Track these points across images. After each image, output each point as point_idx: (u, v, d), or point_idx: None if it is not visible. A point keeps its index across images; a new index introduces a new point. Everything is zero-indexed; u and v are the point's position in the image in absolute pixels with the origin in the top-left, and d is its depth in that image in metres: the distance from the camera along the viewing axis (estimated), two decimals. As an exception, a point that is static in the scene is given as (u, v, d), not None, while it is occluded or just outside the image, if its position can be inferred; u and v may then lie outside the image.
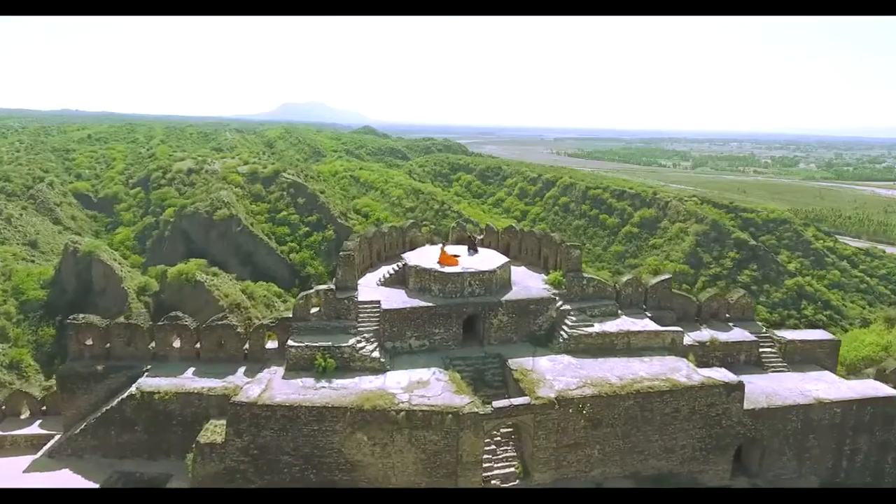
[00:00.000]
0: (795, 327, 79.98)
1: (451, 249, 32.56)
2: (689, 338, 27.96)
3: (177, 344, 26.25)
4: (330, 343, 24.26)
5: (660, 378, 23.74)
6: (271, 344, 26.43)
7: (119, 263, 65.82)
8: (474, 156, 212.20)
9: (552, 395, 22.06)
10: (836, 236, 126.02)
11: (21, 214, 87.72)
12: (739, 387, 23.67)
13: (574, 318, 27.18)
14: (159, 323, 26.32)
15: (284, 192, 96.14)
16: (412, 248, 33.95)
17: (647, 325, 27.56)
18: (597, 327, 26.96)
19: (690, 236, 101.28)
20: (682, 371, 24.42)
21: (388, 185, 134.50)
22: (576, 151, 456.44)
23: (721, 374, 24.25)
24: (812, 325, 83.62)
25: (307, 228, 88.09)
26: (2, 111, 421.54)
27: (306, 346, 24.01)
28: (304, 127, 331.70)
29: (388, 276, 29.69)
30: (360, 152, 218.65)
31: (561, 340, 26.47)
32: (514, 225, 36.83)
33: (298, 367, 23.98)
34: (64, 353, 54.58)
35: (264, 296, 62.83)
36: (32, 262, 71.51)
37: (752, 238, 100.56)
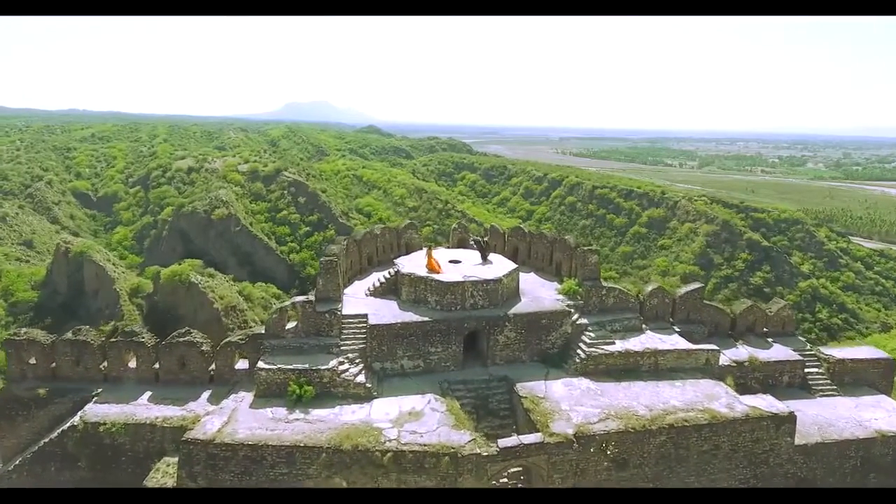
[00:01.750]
0: (810, 332, 76.84)
1: (452, 254, 28.86)
2: (725, 356, 24.23)
3: (132, 364, 22.63)
4: (307, 365, 20.65)
5: (696, 408, 20.05)
6: (242, 364, 22.86)
7: (113, 264, 64.18)
8: (479, 155, 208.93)
9: (569, 431, 18.39)
10: (849, 237, 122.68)
11: (17, 213, 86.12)
12: (790, 419, 19.99)
13: (592, 335, 23.56)
14: (112, 339, 22.68)
15: (285, 191, 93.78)
16: (408, 252, 30.21)
17: (676, 342, 23.87)
18: (619, 345, 23.29)
19: (700, 237, 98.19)
20: (721, 399, 20.73)
21: (391, 184, 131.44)
22: (581, 151, 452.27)
23: (767, 403, 20.55)
24: (827, 329, 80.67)
25: (308, 228, 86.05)
26: (9, 111, 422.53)
27: (279, 370, 20.36)
28: (308, 126, 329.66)
29: (378, 284, 25.96)
30: (363, 151, 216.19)
31: (577, 360, 22.82)
32: (521, 226, 33.08)
33: (270, 393, 20.36)
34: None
35: (262, 297, 60.67)
36: (27, 262, 70.29)
37: (763, 239, 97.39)
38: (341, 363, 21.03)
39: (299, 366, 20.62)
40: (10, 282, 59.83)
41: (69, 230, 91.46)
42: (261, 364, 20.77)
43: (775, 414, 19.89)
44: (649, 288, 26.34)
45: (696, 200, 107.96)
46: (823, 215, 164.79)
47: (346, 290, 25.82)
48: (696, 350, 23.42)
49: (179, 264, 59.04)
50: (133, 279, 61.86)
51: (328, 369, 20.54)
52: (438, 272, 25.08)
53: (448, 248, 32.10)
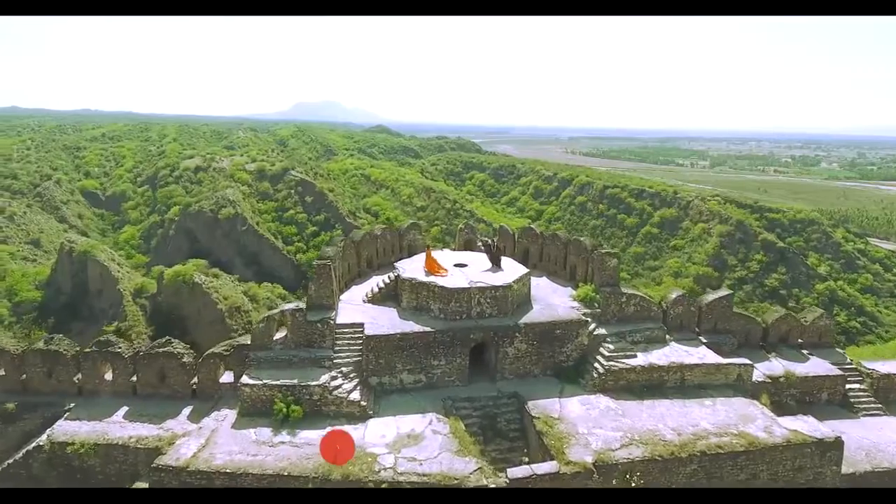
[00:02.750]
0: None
1: (457, 257, 26.63)
2: (759, 371, 21.93)
3: (109, 376, 20.73)
4: (296, 380, 18.62)
5: (729, 431, 17.83)
6: (227, 376, 20.88)
7: (118, 264, 63.65)
8: (488, 154, 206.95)
9: (588, 459, 16.22)
10: (866, 238, 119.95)
11: (25, 213, 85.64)
12: (836, 445, 17.73)
13: (611, 346, 21.37)
14: (86, 350, 20.75)
15: (292, 191, 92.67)
16: (411, 255, 27.98)
17: (704, 355, 21.61)
18: (640, 358, 21.06)
19: (714, 237, 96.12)
20: (756, 420, 18.50)
21: (399, 183, 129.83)
22: (591, 150, 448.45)
23: (810, 427, 18.30)
24: (845, 333, 78.20)
25: (315, 228, 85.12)
26: (23, 111, 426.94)
27: (264, 385, 18.34)
28: (317, 126, 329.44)
29: (377, 290, 23.83)
30: (372, 151, 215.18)
31: (595, 375, 20.62)
32: (532, 226, 30.70)
33: (254, 411, 18.38)
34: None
35: (267, 298, 59.71)
36: (34, 261, 70.12)
37: (779, 240, 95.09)
38: (334, 378, 19.02)
39: (287, 381, 18.59)
40: (14, 281, 59.46)
41: (77, 229, 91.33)
42: (245, 379, 18.79)
43: (820, 439, 17.65)
44: (673, 295, 24.06)
45: (709, 200, 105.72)
46: (839, 215, 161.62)
47: (342, 297, 23.76)
48: (726, 364, 21.16)
49: (184, 264, 58.73)
50: (137, 279, 61.38)
51: (319, 385, 18.51)
52: (439, 273, 23.03)
53: (454, 249, 29.93)
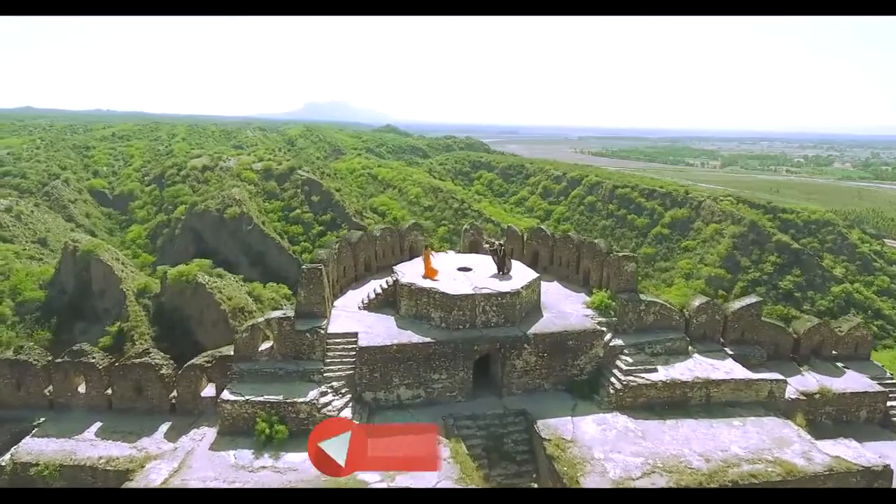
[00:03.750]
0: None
1: (461, 260, 24.79)
2: (792, 387, 19.91)
3: (82, 388, 19.11)
4: (281, 396, 16.89)
5: (763, 457, 15.87)
6: (209, 390, 19.13)
7: (123, 264, 63.03)
8: (496, 154, 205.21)
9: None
10: (883, 239, 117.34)
11: (32, 212, 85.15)
12: (885, 474, 15.76)
13: (629, 359, 19.45)
14: (57, 360, 19.12)
15: (298, 190, 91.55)
16: (413, 257, 26.18)
17: (732, 369, 19.62)
18: (661, 372, 19.11)
19: (726, 238, 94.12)
20: (793, 444, 16.56)
21: (406, 182, 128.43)
22: (600, 150, 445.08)
23: (854, 452, 16.34)
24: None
25: (321, 227, 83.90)
26: (37, 111, 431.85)
27: (247, 402, 16.62)
28: (326, 125, 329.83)
29: (373, 296, 21.98)
30: (380, 150, 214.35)
31: (612, 391, 18.71)
32: (542, 227, 28.74)
33: (236, 429, 16.67)
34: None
35: (272, 298, 58.47)
36: (41, 260, 69.74)
37: (793, 241, 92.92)
38: (323, 394, 17.25)
39: (272, 397, 16.84)
40: (18, 280, 58.55)
41: (84, 228, 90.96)
42: (226, 394, 17.05)
43: (867, 467, 15.70)
44: (696, 302, 21.97)
45: (721, 200, 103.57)
46: (853, 216, 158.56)
47: (336, 303, 22.01)
48: (757, 380, 19.16)
49: (187, 264, 57.51)
50: (141, 279, 60.46)
51: (306, 403, 16.74)
52: (433, 278, 21.22)
53: (459, 251, 28.06)
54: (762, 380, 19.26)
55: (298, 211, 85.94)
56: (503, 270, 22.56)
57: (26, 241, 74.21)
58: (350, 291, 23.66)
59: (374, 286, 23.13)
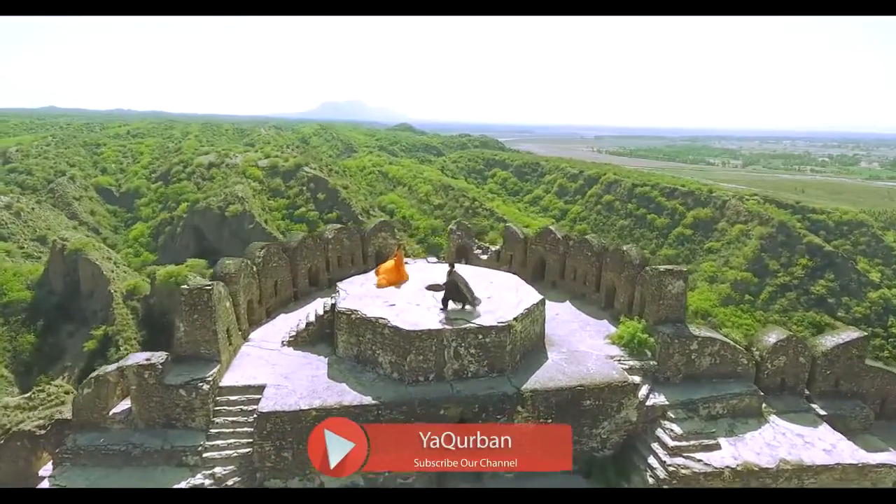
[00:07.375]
0: (882, 348, 67.73)
1: (433, 275, 18.98)
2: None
3: None
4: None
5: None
6: (47, 468, 13.23)
7: (115, 263, 61.16)
8: (511, 152, 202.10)
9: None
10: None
11: (33, 209, 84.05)
12: None
13: (677, 428, 13.93)
14: None
15: (304, 187, 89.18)
16: (378, 263, 20.40)
17: (834, 444, 13.76)
18: (726, 450, 13.50)
19: (753, 240, 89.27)
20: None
21: (417, 180, 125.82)
22: (618, 149, 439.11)
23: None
24: (902, 346, 71.61)
25: (326, 226, 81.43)
26: (60, 110, 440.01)
27: (83, 499, 11.83)
28: (341, 124, 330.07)
29: (303, 326, 16.48)
30: (393, 148, 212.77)
31: (650, 480, 13.11)
32: (552, 228, 22.68)
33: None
34: (43, 363, 48.72)
35: None
36: (39, 258, 67.82)
37: (826, 242, 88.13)
38: (201, 486, 12.12)
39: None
40: (4, 280, 56.63)
41: (88, 226, 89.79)
42: (45, 486, 11.99)
43: None
44: (771, 338, 16.15)
45: (747, 200, 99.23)
46: (885, 217, 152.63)
47: (253, 334, 16.77)
48: (876, 466, 13.28)
49: (177, 265, 55.38)
50: (132, 280, 58.28)
51: None
52: (402, 279, 16.37)
53: (442, 259, 22.37)
54: (885, 466, 13.35)
55: (303, 209, 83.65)
56: (469, 303, 16.24)
57: (25, 239, 72.75)
58: (281, 316, 18.40)
59: (313, 310, 18.01)
